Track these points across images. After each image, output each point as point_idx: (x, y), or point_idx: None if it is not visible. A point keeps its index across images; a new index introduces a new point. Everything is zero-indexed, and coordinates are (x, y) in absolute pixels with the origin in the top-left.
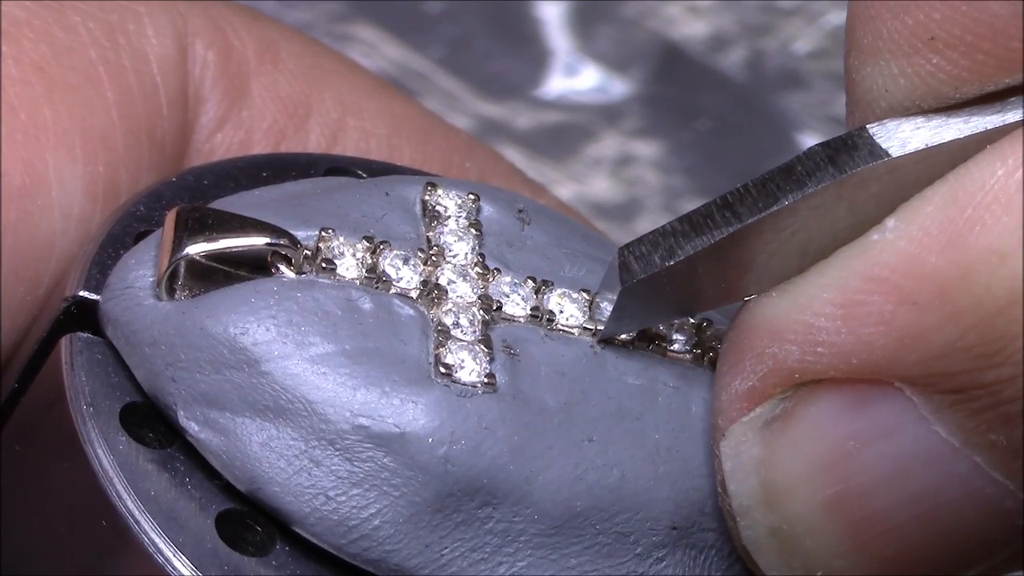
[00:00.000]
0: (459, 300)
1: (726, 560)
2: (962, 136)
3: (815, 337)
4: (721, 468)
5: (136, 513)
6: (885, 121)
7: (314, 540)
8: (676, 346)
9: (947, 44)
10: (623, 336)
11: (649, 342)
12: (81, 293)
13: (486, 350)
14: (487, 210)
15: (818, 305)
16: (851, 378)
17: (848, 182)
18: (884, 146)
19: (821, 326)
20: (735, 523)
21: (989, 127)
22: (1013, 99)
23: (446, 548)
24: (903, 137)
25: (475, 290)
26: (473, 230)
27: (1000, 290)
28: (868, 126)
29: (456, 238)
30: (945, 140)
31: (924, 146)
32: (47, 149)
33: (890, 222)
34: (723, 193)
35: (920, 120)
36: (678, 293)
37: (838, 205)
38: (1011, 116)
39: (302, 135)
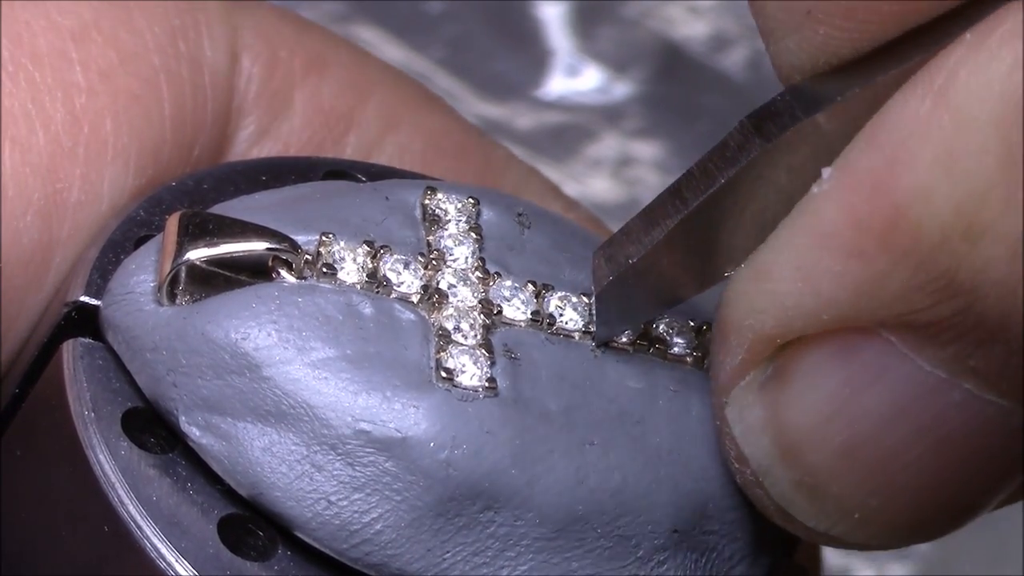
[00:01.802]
0: (460, 304)
1: (728, 563)
2: (870, 83)
3: (783, 302)
4: (733, 437)
5: (138, 518)
6: (806, 81)
7: (316, 545)
8: (676, 349)
9: (825, 14)
10: (623, 339)
11: (650, 346)
12: (82, 298)
13: (487, 354)
14: (487, 214)
15: (777, 271)
16: (830, 330)
17: (776, 149)
18: (801, 107)
19: (785, 291)
20: (762, 488)
21: (897, 69)
22: (918, 40)
23: (448, 552)
24: (821, 94)
25: (476, 294)
26: (473, 234)
27: (931, 226)
28: (787, 89)
29: (456, 242)
30: (855, 90)
31: (837, 100)
32: (105, 164)
33: (825, 172)
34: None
35: (840, 74)
36: (654, 286)
37: (776, 171)
38: (915, 56)
39: (339, 149)
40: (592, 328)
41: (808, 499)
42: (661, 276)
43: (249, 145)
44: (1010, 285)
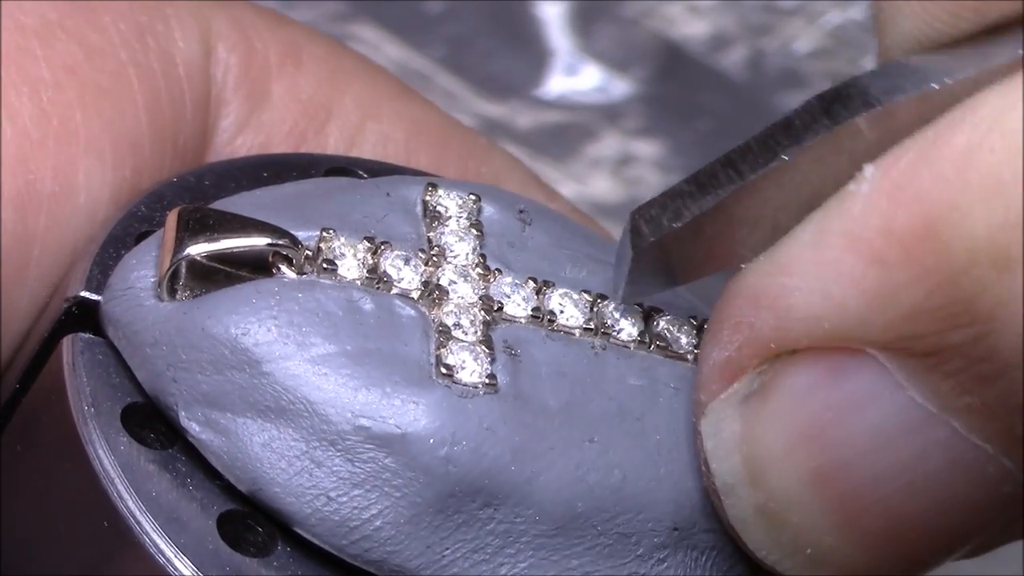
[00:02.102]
0: (460, 301)
1: (728, 561)
2: (952, 81)
3: (789, 300)
4: (703, 446)
5: (137, 514)
6: (886, 66)
7: (315, 541)
8: (677, 346)
9: None
10: (623, 336)
11: (651, 343)
12: (82, 294)
13: (487, 351)
14: (488, 210)
15: (796, 265)
16: (825, 347)
17: (843, 132)
18: (877, 94)
19: (795, 286)
20: (720, 502)
21: (979, 70)
22: (1005, 39)
23: (447, 549)
24: (898, 83)
25: (476, 291)
26: (474, 230)
27: (961, 248)
28: (862, 74)
29: (457, 238)
30: (933, 86)
31: (913, 93)
32: (78, 155)
33: (868, 169)
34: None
35: (924, 62)
36: (689, 255)
37: (838, 157)
38: (997, 59)
39: (321, 139)
40: (592, 325)
41: (765, 527)
42: (699, 245)
43: (231, 135)
44: None
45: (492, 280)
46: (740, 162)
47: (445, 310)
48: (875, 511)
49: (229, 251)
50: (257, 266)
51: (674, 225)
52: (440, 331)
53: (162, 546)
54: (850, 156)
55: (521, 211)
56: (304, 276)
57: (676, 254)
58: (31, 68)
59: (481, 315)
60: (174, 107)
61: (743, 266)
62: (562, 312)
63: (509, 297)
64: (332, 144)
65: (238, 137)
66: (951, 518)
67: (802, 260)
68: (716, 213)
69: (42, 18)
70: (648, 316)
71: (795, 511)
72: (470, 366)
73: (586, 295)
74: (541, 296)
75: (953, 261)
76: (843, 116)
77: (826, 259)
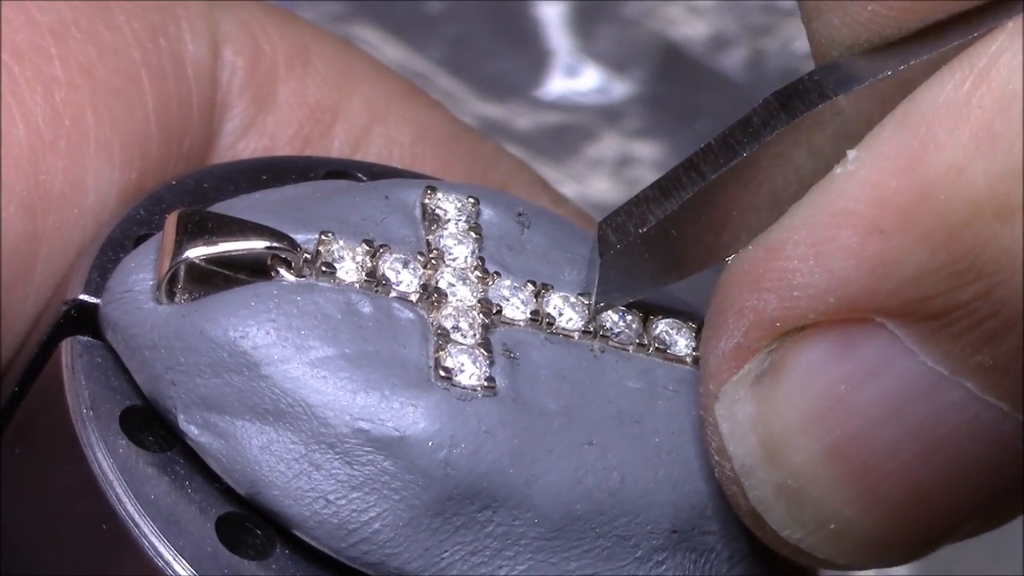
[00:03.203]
0: (459, 304)
1: (726, 563)
2: (904, 67)
3: (790, 281)
4: (718, 432)
5: (136, 516)
6: (838, 61)
7: (314, 543)
8: (676, 350)
9: None
10: (620, 337)
11: (649, 346)
12: (81, 297)
13: (486, 354)
14: (487, 213)
15: (790, 248)
16: (833, 320)
17: (801, 126)
18: (832, 86)
19: (795, 268)
20: (740, 486)
21: (932, 53)
22: (955, 27)
23: (446, 551)
24: (852, 75)
25: (475, 294)
26: (473, 233)
27: (961, 204)
28: (816, 69)
29: (456, 241)
30: (887, 73)
31: (869, 81)
32: (88, 156)
33: (851, 153)
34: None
35: (871, 56)
36: (658, 259)
37: (798, 150)
38: (951, 42)
39: (326, 142)
40: (591, 328)
41: (786, 504)
42: (666, 249)
43: (235, 138)
44: None
45: (491, 283)
46: (701, 163)
47: (444, 313)
48: (893, 480)
49: (228, 254)
50: (256, 269)
51: (640, 231)
52: (439, 334)
53: (161, 548)
54: (809, 149)
55: (520, 214)
56: (303, 279)
57: (646, 260)
58: (45, 67)
59: (480, 318)
60: (182, 110)
61: (728, 260)
62: (561, 315)
63: (508, 300)
64: (337, 147)
65: (242, 140)
66: (969, 480)
67: (796, 242)
68: (681, 216)
69: (58, 16)
70: (647, 319)
71: (815, 487)
72: (469, 369)
73: (584, 298)
74: (540, 299)
75: (954, 217)
76: (800, 110)
77: (821, 237)
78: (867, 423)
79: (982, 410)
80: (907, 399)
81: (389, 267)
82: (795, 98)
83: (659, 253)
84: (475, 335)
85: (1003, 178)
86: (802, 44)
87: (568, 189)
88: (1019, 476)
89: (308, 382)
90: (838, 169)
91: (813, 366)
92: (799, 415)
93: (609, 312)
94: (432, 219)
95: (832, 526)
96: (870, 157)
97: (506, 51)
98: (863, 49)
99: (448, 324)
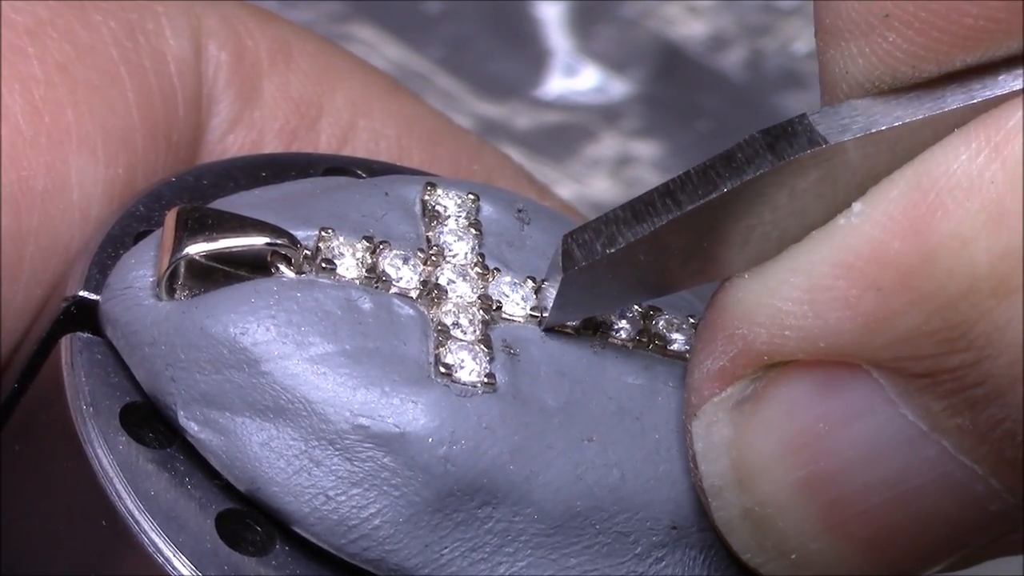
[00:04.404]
0: (459, 300)
1: (726, 560)
2: (903, 122)
3: (783, 321)
4: (692, 447)
5: (136, 513)
6: (834, 107)
7: (314, 540)
8: (675, 346)
9: (902, 21)
10: (621, 335)
11: (649, 342)
12: (81, 293)
13: (486, 350)
14: (487, 210)
15: (786, 290)
16: (820, 360)
17: (786, 169)
18: (825, 132)
19: (789, 310)
20: (708, 503)
21: (937, 111)
22: (973, 82)
23: (446, 548)
24: (845, 124)
25: (475, 290)
26: (473, 230)
27: (962, 275)
28: (810, 112)
29: (456, 238)
30: (885, 127)
31: (864, 133)
32: (70, 152)
33: (856, 206)
34: (667, 180)
35: (870, 105)
36: (621, 281)
37: (779, 192)
38: (955, 101)
39: (313, 136)
40: (590, 324)
41: (751, 529)
42: (632, 272)
43: (223, 132)
44: None
45: (491, 279)
46: (679, 192)
47: (444, 309)
48: (862, 520)
49: (228, 251)
50: (256, 266)
51: (608, 251)
52: (439, 330)
53: (160, 545)
54: (791, 191)
55: (520, 210)
56: (303, 275)
57: (609, 280)
58: (23, 66)
59: (480, 314)
60: (166, 104)
61: (726, 281)
62: None
63: (508, 296)
64: (324, 141)
65: (230, 134)
66: (938, 531)
67: (794, 285)
68: (651, 242)
69: (34, 16)
70: (646, 315)
71: (782, 517)
72: (469, 365)
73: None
74: (540, 295)
75: (953, 288)
76: (787, 153)
77: (819, 286)
78: (842, 464)
79: (956, 469)
80: (884, 447)
81: (389, 263)
82: (783, 140)
83: (623, 275)
84: (475, 331)
85: (1006, 257)
86: (801, 44)
87: (567, 189)
88: (988, 533)
89: (308, 378)
90: (841, 220)
91: (795, 400)
92: (775, 446)
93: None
94: (432, 215)
95: (793, 556)
96: (875, 214)
97: (505, 51)
98: (871, 90)
99: (448, 320)
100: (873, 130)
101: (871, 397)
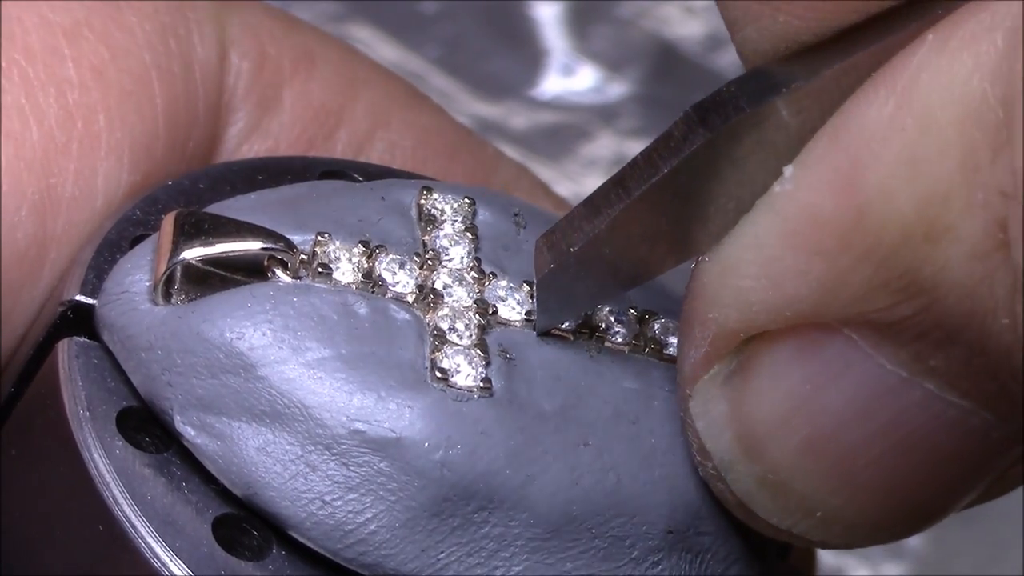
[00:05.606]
0: (455, 304)
1: (722, 563)
2: (819, 74)
3: (747, 297)
4: (695, 431)
5: (132, 517)
6: (758, 68)
7: (310, 545)
8: (672, 350)
9: (784, 2)
10: (618, 339)
11: (645, 346)
12: (77, 297)
13: (482, 354)
14: (483, 214)
15: (743, 268)
16: (793, 326)
17: (719, 140)
18: (746, 97)
19: (749, 287)
20: (724, 482)
21: (850, 57)
22: (874, 29)
23: (442, 553)
24: (770, 84)
25: (471, 294)
26: (469, 234)
27: (894, 227)
28: (735, 79)
29: (452, 242)
30: (803, 81)
31: (783, 91)
32: (99, 159)
33: (787, 170)
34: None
35: (791, 62)
36: (594, 276)
37: (721, 163)
38: (866, 46)
39: (329, 145)
40: (587, 329)
41: (771, 496)
42: (603, 265)
43: (239, 141)
44: (969, 286)
45: (487, 284)
46: (628, 180)
47: (440, 314)
48: (873, 471)
49: (224, 255)
50: (252, 270)
51: (572, 250)
52: (435, 335)
53: (157, 550)
54: (731, 160)
55: (516, 214)
56: (299, 280)
57: (582, 277)
58: (58, 68)
59: (476, 319)
60: (188, 113)
61: (694, 266)
62: None
63: (504, 301)
64: (340, 151)
65: (246, 143)
66: (950, 468)
67: (748, 263)
68: (611, 233)
69: (70, 16)
70: (642, 319)
71: (796, 479)
72: (465, 370)
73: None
74: (535, 300)
75: (889, 239)
76: (716, 124)
77: (769, 258)
78: (838, 420)
79: (946, 407)
80: (871, 399)
81: (385, 268)
82: (712, 111)
83: (596, 270)
84: (471, 336)
85: (929, 202)
86: None
87: (564, 189)
88: (1001, 460)
89: (304, 383)
90: (776, 187)
91: (777, 368)
92: (770, 413)
93: (605, 312)
94: (428, 220)
95: (819, 514)
96: (805, 176)
97: (501, 51)
98: (787, 54)
99: (444, 325)
100: (793, 85)
101: (848, 353)
